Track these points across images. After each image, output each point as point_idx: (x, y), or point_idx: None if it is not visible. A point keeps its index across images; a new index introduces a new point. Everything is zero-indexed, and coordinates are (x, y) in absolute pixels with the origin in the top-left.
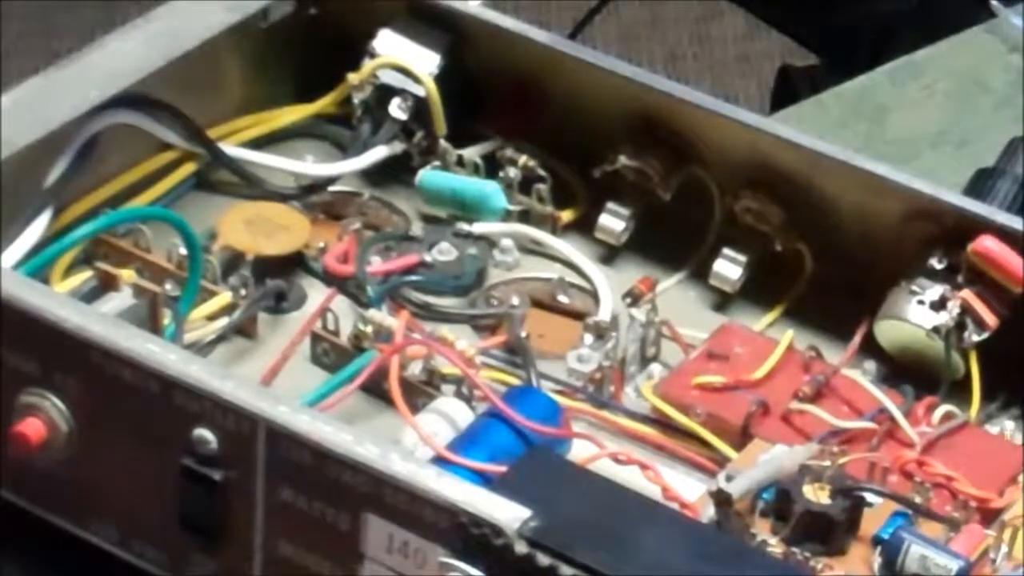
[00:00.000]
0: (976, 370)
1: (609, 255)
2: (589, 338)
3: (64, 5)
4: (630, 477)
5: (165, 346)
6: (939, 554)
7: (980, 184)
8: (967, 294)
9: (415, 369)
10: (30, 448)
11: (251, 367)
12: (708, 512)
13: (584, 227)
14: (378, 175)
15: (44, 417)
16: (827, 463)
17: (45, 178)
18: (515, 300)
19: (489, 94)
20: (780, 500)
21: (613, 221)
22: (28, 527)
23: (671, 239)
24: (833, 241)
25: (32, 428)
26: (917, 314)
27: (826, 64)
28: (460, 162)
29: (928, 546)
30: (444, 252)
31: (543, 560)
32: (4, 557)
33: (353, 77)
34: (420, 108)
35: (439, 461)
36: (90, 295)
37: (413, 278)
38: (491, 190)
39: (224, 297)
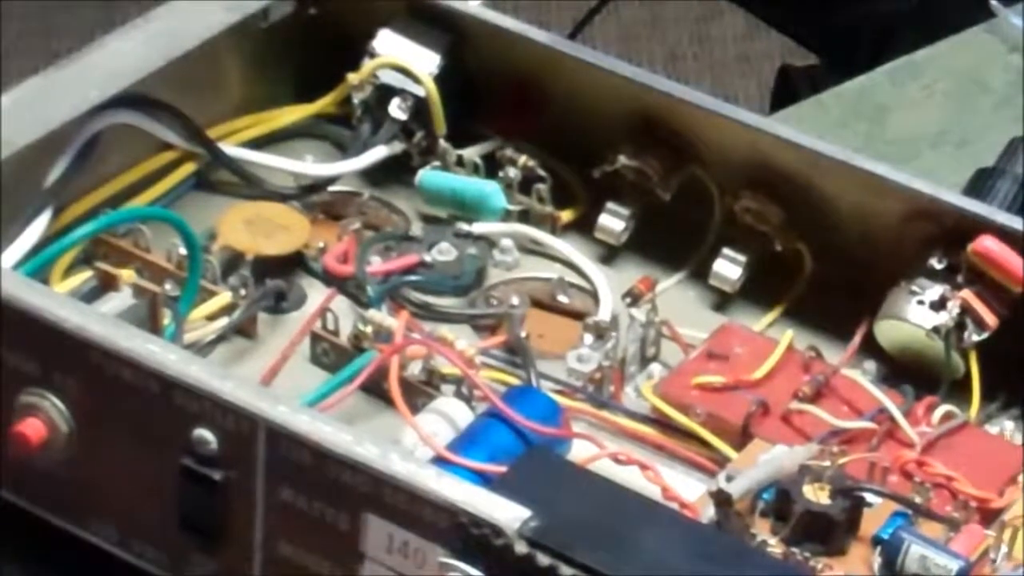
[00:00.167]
0: (976, 370)
1: (609, 255)
2: (589, 338)
3: (64, 5)
4: (630, 477)
5: (165, 346)
6: (939, 554)
7: (980, 184)
8: (967, 294)
9: (415, 369)
10: (30, 448)
11: (251, 367)
12: (708, 512)
13: (584, 227)
14: (378, 175)
15: (44, 417)
16: (827, 463)
17: (45, 178)
18: (515, 300)
19: (489, 94)
20: (780, 500)
21: (613, 221)
22: (28, 527)
23: (671, 239)
24: (833, 241)
25: (32, 428)
26: (917, 314)
27: (826, 64)
28: (460, 162)
29: (928, 546)
30: (444, 252)
31: (543, 560)
32: (4, 557)
33: (353, 77)
34: (420, 108)
35: (439, 461)
36: (90, 295)
37: (413, 278)
38: (491, 190)
39: (224, 297)
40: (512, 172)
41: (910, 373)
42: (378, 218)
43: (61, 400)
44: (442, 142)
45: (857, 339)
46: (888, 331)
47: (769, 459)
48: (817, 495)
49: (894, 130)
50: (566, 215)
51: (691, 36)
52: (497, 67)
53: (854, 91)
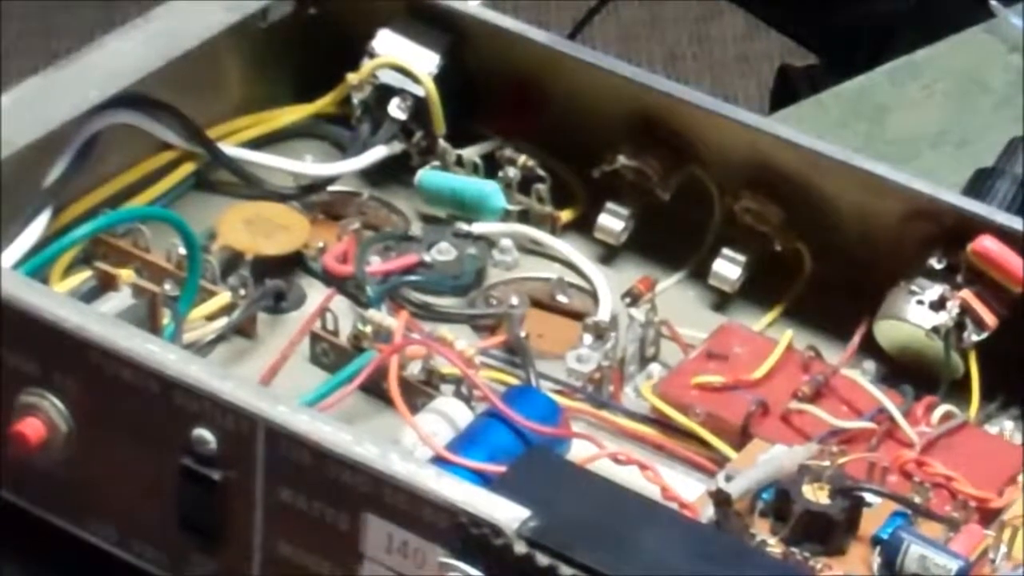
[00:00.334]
0: (975, 370)
1: (608, 255)
2: (588, 338)
3: (64, 5)
4: (629, 477)
5: (164, 346)
6: (938, 554)
7: (979, 184)
8: (966, 294)
9: (414, 369)
10: (29, 448)
11: (250, 367)
12: (707, 512)
13: (583, 227)
14: (377, 175)
15: (43, 417)
16: (826, 463)
17: (45, 178)
18: (514, 300)
19: (488, 94)
20: (779, 500)
21: (612, 221)
22: (28, 527)
23: (670, 239)
24: (832, 241)
25: (31, 428)
26: (916, 314)
27: (825, 64)
28: (459, 162)
29: (927, 546)
30: (443, 252)
31: (542, 560)
32: (4, 557)
33: (352, 77)
34: (419, 108)
35: (438, 461)
36: (89, 295)
37: (412, 278)
38: (490, 190)
39: (223, 297)
40: (512, 172)
41: (909, 373)
42: (378, 218)
43: (60, 400)
44: (442, 142)
45: (856, 339)
46: (888, 331)
47: (768, 459)
48: (816, 495)
49: (894, 130)
50: (565, 215)
51: (691, 36)
52: (497, 67)
53: (854, 91)
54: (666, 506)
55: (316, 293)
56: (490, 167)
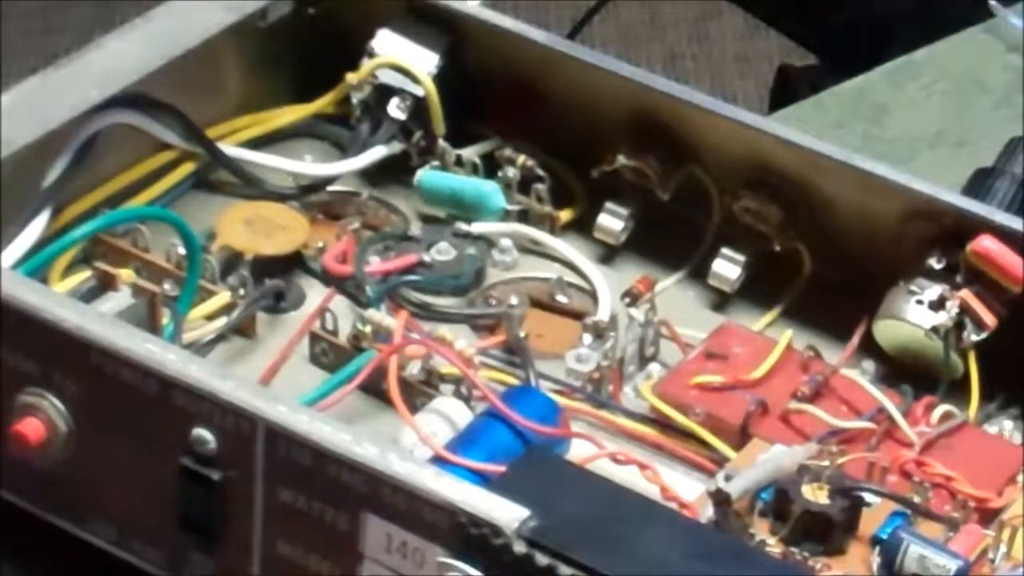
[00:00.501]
0: (975, 370)
1: (608, 255)
2: (588, 338)
3: (63, 5)
4: (629, 477)
5: (164, 346)
6: (938, 554)
7: (979, 184)
8: (966, 294)
9: (414, 369)
10: (29, 448)
11: (250, 367)
12: (707, 512)
13: (583, 227)
14: (377, 175)
15: (43, 417)
16: (826, 463)
17: (44, 178)
18: (514, 300)
19: (488, 94)
20: (779, 500)
21: (612, 221)
22: (28, 527)
23: (670, 239)
24: (832, 241)
25: (31, 428)
26: (916, 314)
27: (825, 64)
28: (459, 162)
29: (927, 546)
30: (443, 252)
31: (542, 560)
32: (4, 557)
33: (352, 77)
34: (419, 108)
35: (438, 461)
36: (89, 295)
37: (412, 278)
38: (490, 190)
39: (223, 297)
40: (511, 172)
41: (909, 373)
42: (377, 218)
43: (60, 400)
44: (441, 142)
45: (856, 339)
46: (887, 331)
47: (768, 459)
48: (816, 495)
49: (893, 130)
50: (565, 215)
51: (690, 36)
52: (496, 67)
53: (853, 91)
54: (665, 506)
55: (316, 293)
56: (489, 167)
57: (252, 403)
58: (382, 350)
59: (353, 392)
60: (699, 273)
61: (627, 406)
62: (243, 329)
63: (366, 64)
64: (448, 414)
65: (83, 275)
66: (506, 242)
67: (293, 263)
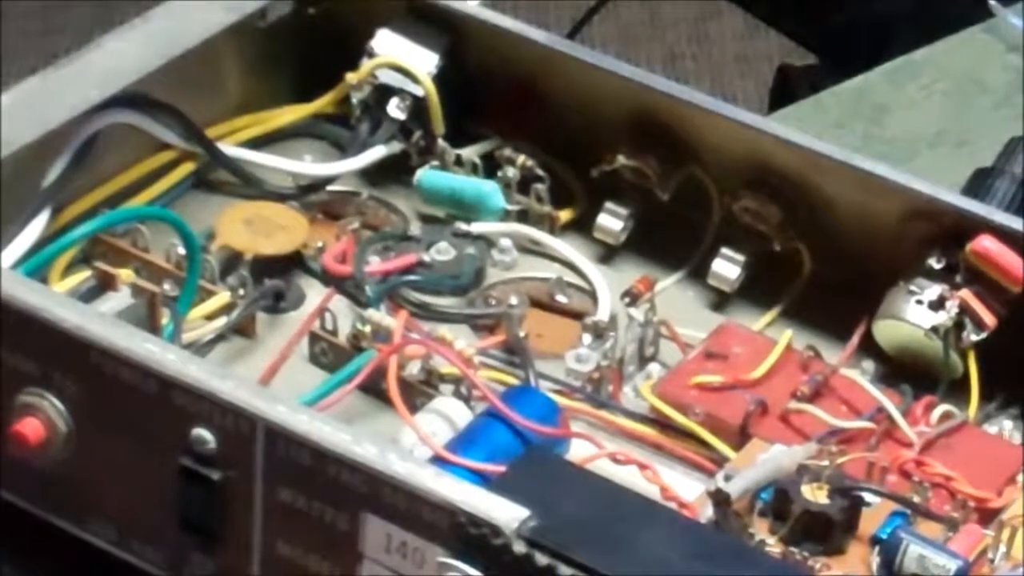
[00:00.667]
0: (974, 370)
1: (607, 255)
2: (587, 338)
3: (63, 5)
4: (628, 477)
5: (164, 346)
6: (937, 554)
7: (979, 184)
8: (965, 294)
9: (413, 369)
10: (29, 448)
11: (249, 367)
12: (706, 512)
13: (582, 227)
14: (376, 175)
15: (43, 417)
16: (825, 463)
17: (44, 178)
18: (513, 300)
19: (488, 94)
20: (778, 500)
21: (611, 221)
22: (28, 527)
23: (669, 239)
24: (832, 241)
25: (31, 428)
26: (915, 314)
27: (825, 64)
28: (458, 162)
29: (926, 546)
30: (442, 252)
31: (541, 560)
32: (4, 557)
33: (352, 77)
34: (418, 108)
35: (437, 461)
36: (88, 295)
37: (411, 278)
38: (489, 190)
39: (222, 297)
40: (511, 172)
41: (908, 373)
42: (377, 218)
43: (60, 400)
44: (441, 142)
45: (856, 339)
46: (887, 331)
47: (767, 459)
48: (815, 495)
49: (893, 130)
50: (565, 215)
51: (690, 36)
52: (496, 67)
53: (853, 91)
54: (665, 506)
55: (315, 293)
56: (489, 167)
57: (252, 403)
58: (382, 350)
59: (353, 392)
60: (699, 273)
61: (627, 406)
62: (243, 329)
63: (366, 64)
64: (448, 414)
65: (83, 275)
66: (506, 242)
67: (293, 263)
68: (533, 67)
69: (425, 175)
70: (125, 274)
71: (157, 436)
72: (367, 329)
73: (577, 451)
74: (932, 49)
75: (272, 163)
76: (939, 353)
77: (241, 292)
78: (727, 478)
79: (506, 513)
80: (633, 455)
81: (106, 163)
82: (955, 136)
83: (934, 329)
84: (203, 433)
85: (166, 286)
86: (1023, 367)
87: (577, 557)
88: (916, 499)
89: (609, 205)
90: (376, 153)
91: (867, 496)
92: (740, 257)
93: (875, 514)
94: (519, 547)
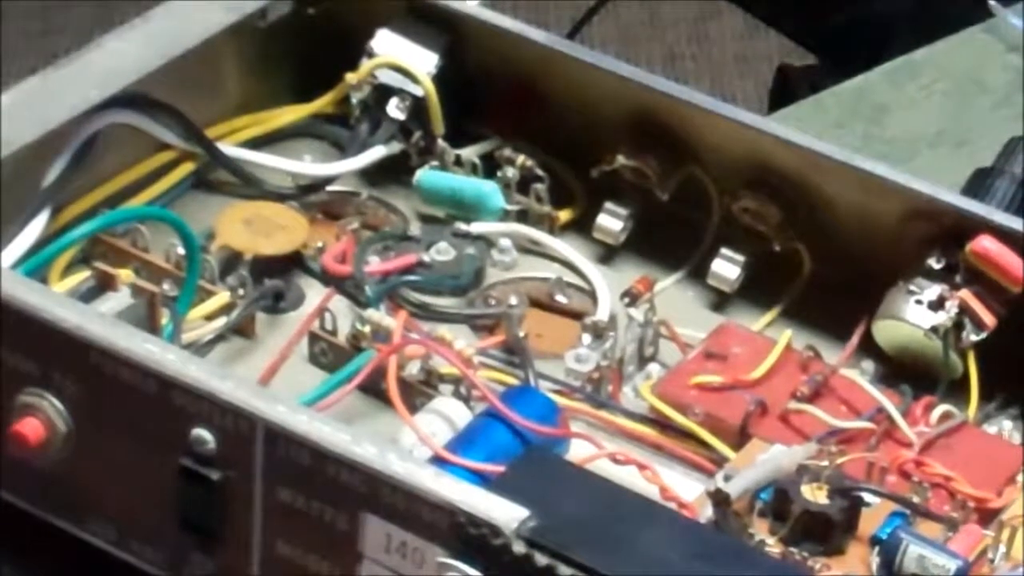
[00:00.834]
0: (974, 370)
1: (607, 255)
2: (587, 338)
3: (63, 5)
4: (628, 477)
5: (163, 346)
6: (937, 554)
7: (978, 184)
8: (965, 294)
9: (413, 369)
10: (28, 448)
11: (249, 367)
12: (706, 512)
13: (582, 227)
14: (376, 175)
15: (42, 417)
16: (825, 463)
17: (44, 178)
18: (513, 300)
19: (487, 94)
20: (778, 500)
21: (611, 221)
22: (28, 527)
23: (669, 239)
24: (831, 241)
25: (30, 428)
26: (915, 314)
27: (824, 64)
28: (458, 162)
29: (926, 546)
30: (442, 252)
31: (541, 560)
32: (4, 557)
33: (351, 77)
34: (418, 108)
35: (437, 461)
36: (88, 295)
37: (411, 278)
38: (489, 190)
39: (222, 297)
40: (510, 172)
41: (908, 373)
42: (376, 218)
43: (59, 400)
44: (440, 142)
45: (855, 339)
46: (886, 331)
47: (767, 459)
48: (815, 495)
49: (893, 130)
50: (564, 215)
51: (690, 36)
52: (495, 67)
53: (853, 91)
54: (665, 506)
55: (315, 293)
56: (489, 167)
57: (251, 403)
58: (381, 350)
59: (352, 392)
60: (698, 273)
61: (626, 406)
62: (242, 329)
63: (365, 64)
64: (447, 414)
65: (83, 275)
66: (505, 242)
67: (292, 263)
68: (533, 67)
69: (425, 175)
70: (125, 274)
71: (157, 436)
72: (367, 329)
73: (577, 451)
74: (932, 49)
75: (272, 163)
76: (939, 353)
77: (241, 292)
78: (727, 478)
79: (506, 513)
80: (633, 455)
81: (106, 163)
82: (955, 136)
83: (934, 329)
84: (203, 433)
85: (166, 286)
86: (1023, 367)
87: (577, 557)
88: (916, 499)
89: (609, 205)
90: (376, 153)
91: (867, 496)
92: (740, 257)
93: (875, 514)
94: (519, 547)
